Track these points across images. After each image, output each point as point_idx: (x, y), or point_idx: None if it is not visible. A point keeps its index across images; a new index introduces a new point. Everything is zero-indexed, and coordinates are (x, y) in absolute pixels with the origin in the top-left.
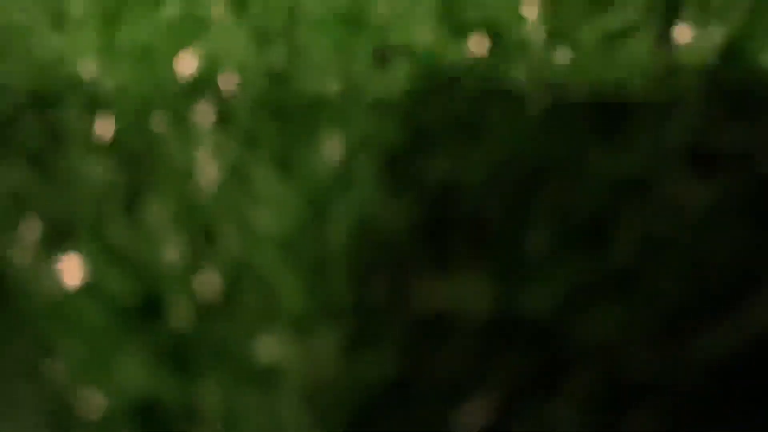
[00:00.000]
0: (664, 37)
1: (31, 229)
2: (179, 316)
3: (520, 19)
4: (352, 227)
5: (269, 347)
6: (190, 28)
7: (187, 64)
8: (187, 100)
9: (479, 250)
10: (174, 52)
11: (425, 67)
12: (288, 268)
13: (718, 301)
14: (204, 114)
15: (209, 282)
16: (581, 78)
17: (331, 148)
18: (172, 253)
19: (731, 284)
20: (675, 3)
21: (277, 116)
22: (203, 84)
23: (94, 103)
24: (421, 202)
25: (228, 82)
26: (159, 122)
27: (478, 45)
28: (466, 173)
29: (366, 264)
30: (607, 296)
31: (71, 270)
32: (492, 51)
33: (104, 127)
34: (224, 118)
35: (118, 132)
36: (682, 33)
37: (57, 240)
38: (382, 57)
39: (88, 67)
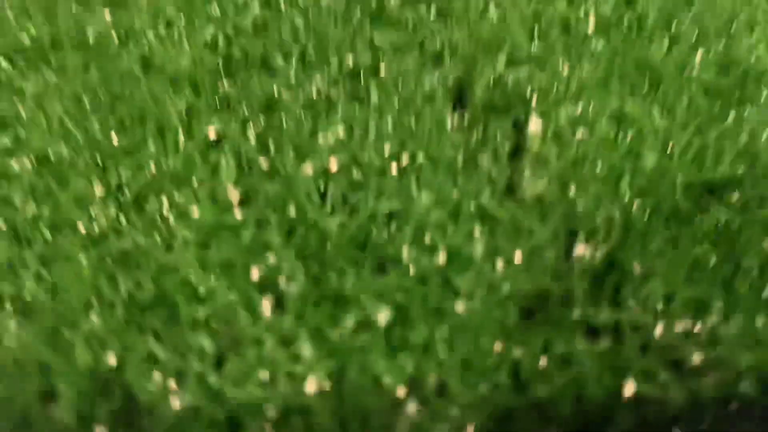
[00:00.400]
0: (567, 251)
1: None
2: None
3: (470, 240)
4: (365, 379)
5: None
6: (258, 249)
7: (255, 273)
8: (256, 294)
9: (449, 395)
10: (248, 265)
11: (407, 273)
12: (322, 408)
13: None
14: (266, 303)
15: (270, 414)
16: (512, 280)
17: (349, 324)
18: (245, 393)
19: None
20: (575, 230)
21: (315, 303)
22: (267, 284)
23: (195, 298)
24: (409, 364)
25: (282, 282)
26: (237, 310)
27: (440, 258)
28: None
29: (372, 406)
30: (525, 420)
31: (179, 398)
32: (449, 261)
33: (202, 313)
34: (281, 304)
35: (210, 315)
36: (579, 249)
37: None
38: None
39: (193, 275)
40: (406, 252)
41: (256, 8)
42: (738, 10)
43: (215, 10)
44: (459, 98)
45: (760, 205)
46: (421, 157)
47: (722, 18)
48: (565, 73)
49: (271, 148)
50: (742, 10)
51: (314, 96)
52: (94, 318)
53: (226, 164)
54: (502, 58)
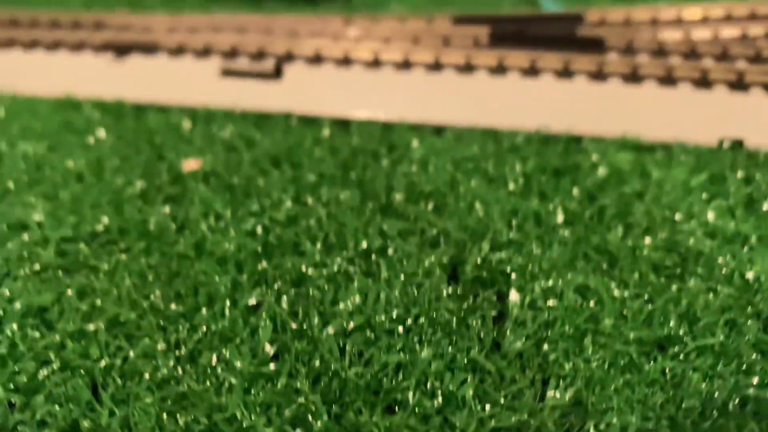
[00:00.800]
0: (542, 394)
1: None
2: None
3: (463, 386)
4: None
5: None
6: (290, 393)
7: (288, 412)
8: (289, 428)
9: None
10: (282, 406)
11: (413, 413)
12: None
13: None
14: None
15: None
16: (497, 417)
17: None
18: None
19: None
20: (548, 377)
21: None
22: (297, 421)
23: (240, 431)
24: None
25: (310, 419)
26: None
27: (439, 401)
28: None
29: None
30: None
31: None
32: (447, 403)
33: None
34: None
35: None
36: (551, 392)
37: None
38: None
39: (238, 413)
40: (411, 396)
41: (288, 203)
42: (679, 203)
43: (255, 205)
44: (453, 274)
45: (699, 356)
46: (422, 320)
47: (667, 210)
48: (539, 255)
49: (300, 313)
50: (682, 202)
51: (335, 272)
52: None
53: (264, 326)
54: (486, 244)
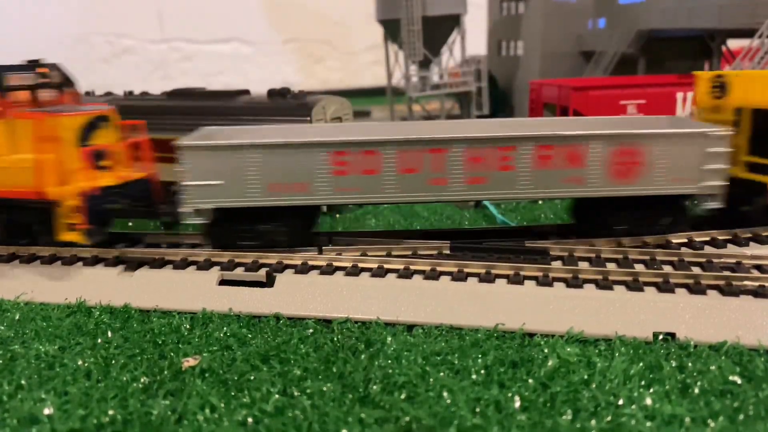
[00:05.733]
0: None
1: None
2: None
3: None
4: None
5: None
6: None
7: None
8: None
9: None
10: None
11: None
12: None
13: None
14: None
15: None
16: None
17: None
18: None
19: None
20: None
21: None
22: None
23: None
24: None
25: None
26: None
27: None
28: None
29: None
30: None
31: None
32: None
33: None
34: None
35: None
36: None
37: None
38: None
39: None
40: None
41: (276, 395)
42: (621, 389)
43: (246, 398)
44: None
45: None
46: None
47: (610, 395)
48: None
49: None
50: (624, 389)
51: None
52: None
53: None
54: (453, 429)
